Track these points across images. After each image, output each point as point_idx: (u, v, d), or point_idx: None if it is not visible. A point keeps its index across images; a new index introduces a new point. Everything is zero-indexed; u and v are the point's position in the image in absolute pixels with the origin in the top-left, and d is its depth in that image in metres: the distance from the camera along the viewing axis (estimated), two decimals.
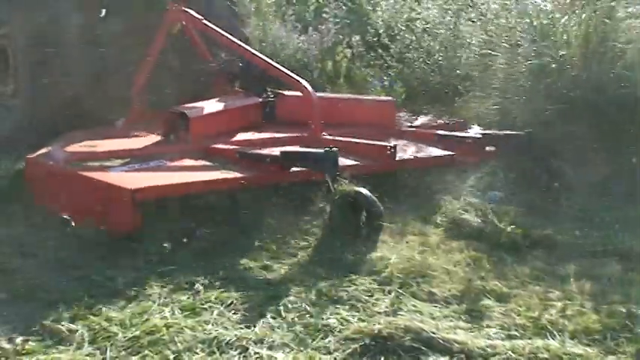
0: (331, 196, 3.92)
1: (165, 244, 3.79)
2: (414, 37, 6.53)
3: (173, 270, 3.57)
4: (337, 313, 3.12)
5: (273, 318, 3.10)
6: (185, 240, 3.89)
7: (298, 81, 5.03)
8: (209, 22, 5.51)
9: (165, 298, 3.27)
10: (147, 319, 3.06)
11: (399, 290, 3.38)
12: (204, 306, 3.19)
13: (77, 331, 3.00)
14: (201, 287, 3.37)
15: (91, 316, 3.11)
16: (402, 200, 4.66)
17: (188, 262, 3.67)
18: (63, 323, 3.05)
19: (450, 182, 4.87)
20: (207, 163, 4.43)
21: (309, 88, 4.99)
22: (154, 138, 4.94)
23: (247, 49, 5.40)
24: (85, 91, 5.52)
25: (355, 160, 4.49)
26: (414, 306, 3.22)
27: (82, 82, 5.53)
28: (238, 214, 4.17)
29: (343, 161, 4.24)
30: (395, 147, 4.59)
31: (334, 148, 4.07)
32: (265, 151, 4.35)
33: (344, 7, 7.76)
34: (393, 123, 5.53)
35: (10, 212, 4.31)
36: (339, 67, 6.95)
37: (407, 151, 4.97)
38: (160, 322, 3.02)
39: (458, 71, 6.31)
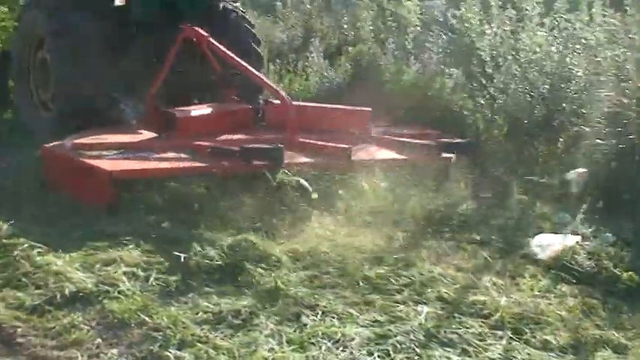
0: (272, 184, 4.73)
1: (272, 274, 3.78)
2: (518, 68, 6.32)
3: (279, 300, 3.55)
4: (447, 357, 3.04)
5: (381, 358, 3.04)
6: None
7: (278, 91, 5.96)
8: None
9: (272, 329, 3.26)
10: (254, 350, 3.04)
11: (512, 336, 3.26)
12: (312, 340, 3.14)
13: (185, 358, 3.00)
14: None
15: (199, 344, 3.10)
16: (504, 237, 4.54)
17: (294, 292, 3.62)
18: (171, 350, 3.07)
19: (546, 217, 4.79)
20: (184, 156, 5.24)
21: (286, 97, 5.85)
22: (151, 135, 5.77)
23: (242, 63, 6.14)
24: (109, 95, 6.49)
25: (316, 159, 5.29)
26: (529, 354, 3.11)
27: (106, 87, 6.41)
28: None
29: (305, 159, 5.19)
30: (351, 149, 5.31)
31: (280, 145, 4.96)
32: (232, 147, 5.10)
33: (444, 36, 7.56)
34: (366, 130, 6.08)
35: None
36: (439, 96, 6.83)
37: (368, 153, 5.58)
38: (267, 354, 3.00)
39: (564, 104, 6.08)
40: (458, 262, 4.11)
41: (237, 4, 7.47)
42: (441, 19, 7.86)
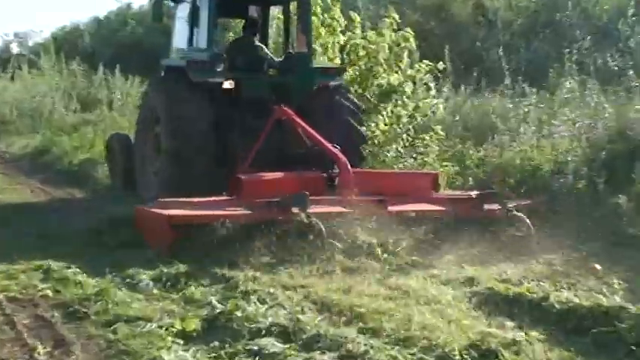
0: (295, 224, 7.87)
1: None
2: None
3: None
4: None
5: None
6: None
7: (340, 159, 9.04)
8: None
9: None
10: None
11: None
12: None
13: None
14: None
15: None
16: None
17: None
18: None
19: None
20: (235, 209, 8.28)
21: (347, 164, 8.98)
22: (224, 197, 8.83)
23: (318, 137, 9.48)
24: (211, 170, 9.95)
25: (355, 209, 8.31)
26: None
27: (209, 163, 9.96)
28: None
29: (341, 209, 8.33)
30: (385, 200, 8.44)
31: (305, 193, 8.03)
32: (275, 199, 8.12)
33: None
34: (429, 192, 9.25)
35: None
36: None
37: (408, 206, 8.77)
38: None
39: None
40: None
41: (344, 85, 11.09)
42: None
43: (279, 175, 9.20)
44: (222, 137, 10.11)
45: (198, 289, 6.75)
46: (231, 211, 8.16)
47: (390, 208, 8.35)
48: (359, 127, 10.74)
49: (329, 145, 9.28)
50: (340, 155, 9.07)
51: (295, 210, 7.89)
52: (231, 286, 6.80)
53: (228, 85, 10.31)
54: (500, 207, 8.56)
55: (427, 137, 12.53)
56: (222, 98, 10.30)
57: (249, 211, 8.08)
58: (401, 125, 12.61)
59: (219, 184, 9.30)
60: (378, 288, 6.75)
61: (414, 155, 12.44)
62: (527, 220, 8.27)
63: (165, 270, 7.21)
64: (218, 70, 10.19)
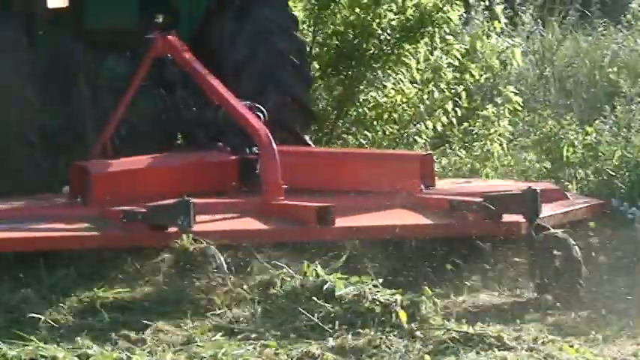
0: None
1: None
2: None
3: None
4: None
5: None
6: None
7: (258, 130, 8.12)
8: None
9: None
10: None
11: None
12: None
13: None
14: None
15: None
16: None
17: None
18: None
19: None
20: (71, 226, 7.39)
21: (269, 138, 7.96)
22: (61, 200, 8.30)
23: (220, 90, 8.51)
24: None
25: (286, 225, 7.73)
26: None
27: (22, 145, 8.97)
28: None
29: (262, 225, 7.65)
30: (327, 209, 7.31)
31: (188, 199, 7.09)
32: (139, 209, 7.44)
33: None
34: (415, 187, 8.10)
35: None
36: None
37: (371, 217, 7.77)
38: None
39: None
40: None
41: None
42: None
43: (156, 161, 8.24)
44: (54, 96, 9.00)
45: None
46: (65, 232, 7.15)
47: (338, 222, 7.15)
48: (297, 65, 9.54)
49: (238, 105, 8.26)
50: (256, 123, 8.13)
51: (173, 229, 6.90)
52: None
53: (58, 2, 9.14)
54: (525, 219, 7.19)
55: (491, 108, 11.49)
56: (51, 29, 9.21)
57: (97, 232, 7.15)
58: (442, 85, 11.50)
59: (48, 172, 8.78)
60: None
61: (466, 140, 11.43)
62: (574, 246, 6.91)
63: None
64: None
